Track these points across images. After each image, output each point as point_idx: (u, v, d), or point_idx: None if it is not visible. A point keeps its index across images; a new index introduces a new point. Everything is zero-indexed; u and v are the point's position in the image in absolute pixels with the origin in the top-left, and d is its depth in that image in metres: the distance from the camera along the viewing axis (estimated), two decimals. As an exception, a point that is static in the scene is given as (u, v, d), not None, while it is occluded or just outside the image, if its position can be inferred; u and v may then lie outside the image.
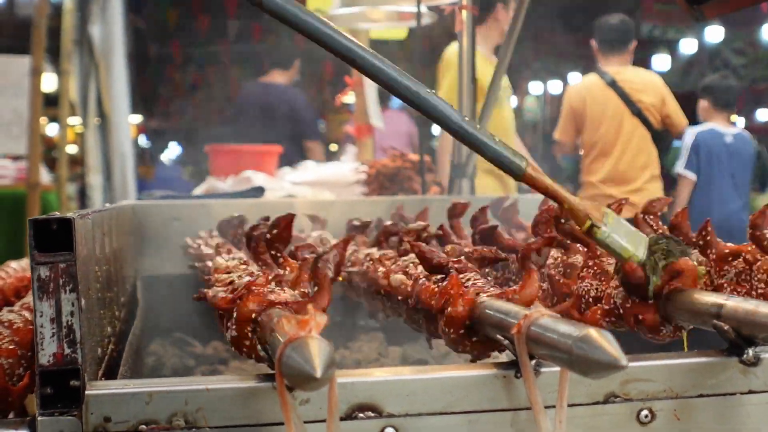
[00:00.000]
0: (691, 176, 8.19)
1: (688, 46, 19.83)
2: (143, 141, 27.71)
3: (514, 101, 20.00)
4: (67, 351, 1.31)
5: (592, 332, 1.17)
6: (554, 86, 22.58)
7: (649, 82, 7.59)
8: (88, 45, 9.62)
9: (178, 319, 3.27)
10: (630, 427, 1.42)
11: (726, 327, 1.44)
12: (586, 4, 15.90)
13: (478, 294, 1.55)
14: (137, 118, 21.40)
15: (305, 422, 1.28)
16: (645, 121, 7.34)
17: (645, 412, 1.42)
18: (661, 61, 21.00)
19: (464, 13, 4.13)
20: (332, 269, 1.49)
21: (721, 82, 8.70)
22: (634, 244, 1.76)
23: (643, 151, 7.35)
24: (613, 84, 7.34)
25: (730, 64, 18.73)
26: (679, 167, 8.25)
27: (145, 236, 3.40)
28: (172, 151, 30.66)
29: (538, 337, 1.29)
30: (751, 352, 1.45)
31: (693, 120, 8.51)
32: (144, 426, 1.30)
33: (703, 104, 8.51)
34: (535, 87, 22.10)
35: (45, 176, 9.24)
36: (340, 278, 2.10)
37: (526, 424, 1.37)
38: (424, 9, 5.15)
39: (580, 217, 1.77)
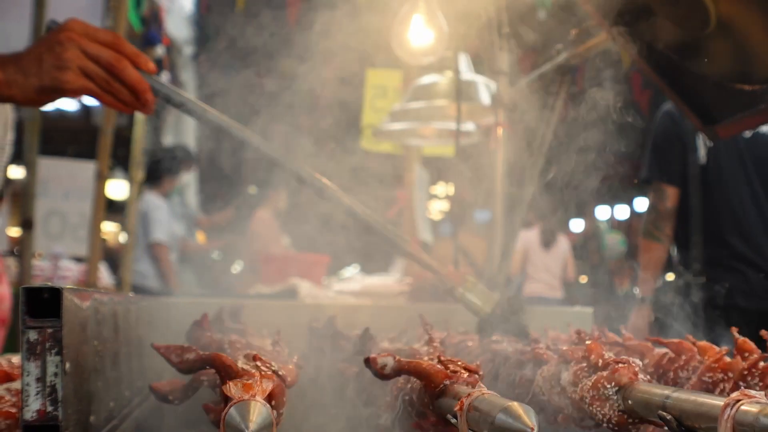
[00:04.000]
0: None
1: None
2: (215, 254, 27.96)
3: (580, 226, 19.96)
4: (49, 408, 1.44)
5: (514, 404, 1.28)
6: (621, 211, 22.55)
7: None
8: (162, 155, 9.96)
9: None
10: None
11: (669, 417, 1.53)
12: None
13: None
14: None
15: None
16: None
17: (588, 494, 1.51)
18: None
19: (500, 130, 4.27)
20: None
21: None
22: (483, 302, 2.65)
23: None
24: None
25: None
26: None
27: (179, 332, 3.51)
28: (240, 265, 30.91)
29: (475, 412, 1.39)
30: (693, 442, 1.53)
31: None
32: (112, 481, 1.42)
33: None
34: (601, 212, 22.05)
35: (107, 278, 9.48)
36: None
37: (473, 500, 1.46)
38: (471, 127, 5.32)
39: (448, 282, 2.64)
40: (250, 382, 1.32)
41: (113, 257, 12.60)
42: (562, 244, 12.52)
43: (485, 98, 4.87)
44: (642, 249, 5.68)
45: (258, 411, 1.26)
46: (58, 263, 9.33)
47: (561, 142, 3.97)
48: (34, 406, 1.44)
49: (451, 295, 2.66)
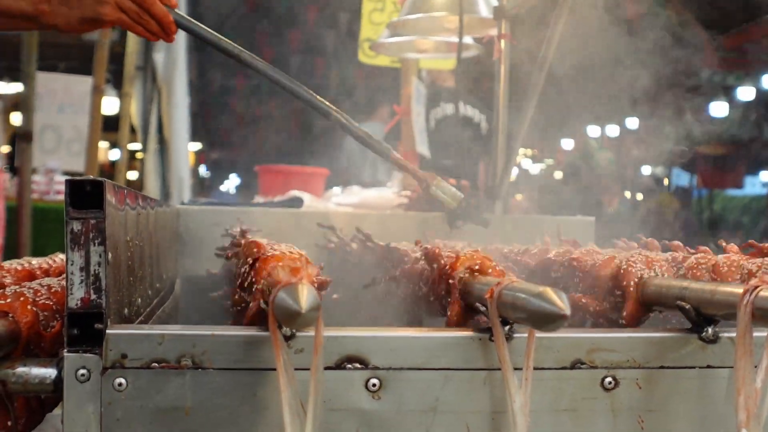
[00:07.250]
0: None
1: (745, 93, 19.81)
2: (203, 170, 28.04)
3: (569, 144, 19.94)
4: (93, 296, 1.49)
5: (548, 289, 1.33)
6: (612, 130, 22.50)
7: None
8: (152, 71, 9.92)
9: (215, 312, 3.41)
10: (594, 391, 1.56)
11: (687, 306, 1.59)
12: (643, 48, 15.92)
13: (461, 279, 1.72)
14: (197, 146, 21.71)
15: (300, 369, 1.44)
16: None
17: (609, 379, 1.57)
18: (719, 107, 20.92)
19: (502, 42, 4.28)
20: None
21: None
22: (451, 198, 3.26)
23: None
24: None
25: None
26: None
27: (187, 238, 3.57)
28: (232, 182, 31.07)
29: (506, 300, 1.44)
30: (710, 330, 1.59)
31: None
32: (156, 364, 1.47)
33: None
34: (592, 131, 21.94)
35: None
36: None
37: (500, 383, 1.52)
38: (469, 40, 5.32)
39: (422, 181, 3.25)
40: (298, 266, 1.37)
41: (105, 173, 12.60)
42: None
43: (484, 11, 4.87)
44: None
45: (307, 292, 1.30)
46: (54, 178, 9.33)
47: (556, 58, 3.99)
48: (78, 294, 1.49)
49: (426, 192, 3.30)
